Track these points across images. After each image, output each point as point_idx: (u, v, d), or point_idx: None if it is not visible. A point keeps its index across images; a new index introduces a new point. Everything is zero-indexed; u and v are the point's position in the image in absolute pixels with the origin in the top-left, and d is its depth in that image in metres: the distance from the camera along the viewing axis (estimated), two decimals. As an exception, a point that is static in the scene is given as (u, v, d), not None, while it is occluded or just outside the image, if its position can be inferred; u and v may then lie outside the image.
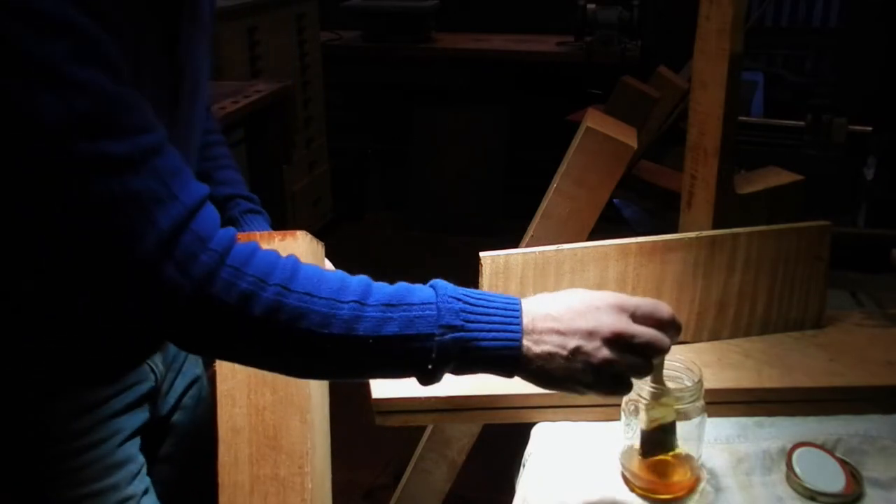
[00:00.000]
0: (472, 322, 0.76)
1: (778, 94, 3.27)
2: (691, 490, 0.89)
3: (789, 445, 0.93)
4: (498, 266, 1.01)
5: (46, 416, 0.92)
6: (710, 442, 0.94)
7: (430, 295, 0.77)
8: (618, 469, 0.92)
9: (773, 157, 1.49)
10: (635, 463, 0.90)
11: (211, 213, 0.76)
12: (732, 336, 1.11)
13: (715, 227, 1.12)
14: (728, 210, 1.13)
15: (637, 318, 0.79)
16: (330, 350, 0.75)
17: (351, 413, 1.33)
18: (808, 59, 3.83)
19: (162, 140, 0.74)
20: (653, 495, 0.88)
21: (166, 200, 0.71)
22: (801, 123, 1.81)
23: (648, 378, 0.82)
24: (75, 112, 0.67)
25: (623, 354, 0.77)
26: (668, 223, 1.41)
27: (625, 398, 0.88)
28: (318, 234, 1.09)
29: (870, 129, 1.81)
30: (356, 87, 4.07)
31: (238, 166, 1.22)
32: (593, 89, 3.22)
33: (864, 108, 2.37)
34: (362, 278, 0.78)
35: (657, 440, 0.85)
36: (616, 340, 0.76)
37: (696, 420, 0.86)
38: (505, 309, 0.77)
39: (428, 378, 0.77)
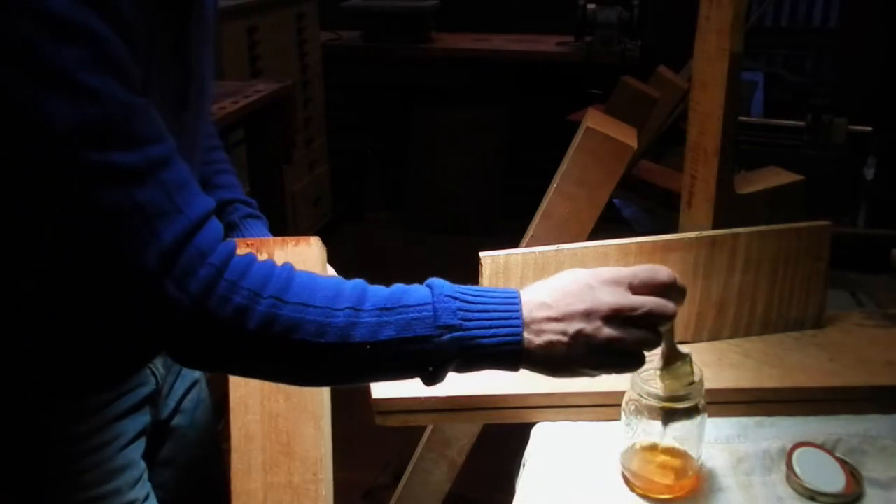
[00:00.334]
0: (471, 320, 0.75)
1: (778, 94, 3.27)
2: (691, 490, 0.89)
3: (789, 445, 0.93)
4: (498, 266, 1.01)
5: (48, 420, 0.91)
6: (710, 442, 0.94)
7: (426, 295, 0.76)
8: (618, 469, 0.92)
9: (773, 157, 1.49)
10: (635, 463, 0.90)
11: (214, 227, 0.75)
12: (732, 336, 1.11)
13: (715, 227, 1.12)
14: (728, 210, 1.13)
15: (636, 287, 0.77)
16: (328, 358, 0.75)
17: (351, 413, 1.33)
18: (808, 59, 3.83)
19: (170, 151, 0.74)
20: (653, 495, 0.88)
21: (171, 214, 0.71)
22: (801, 123, 1.81)
23: (661, 348, 0.81)
24: (86, 120, 0.67)
25: (627, 329, 0.75)
26: (668, 223, 1.41)
27: (625, 398, 0.88)
28: (318, 234, 1.09)
29: (870, 129, 1.81)
30: (356, 87, 4.07)
31: (236, 168, 1.22)
32: (593, 89, 3.21)
33: (864, 108, 2.37)
34: (358, 283, 0.77)
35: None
36: (616, 316, 0.75)
37: (696, 420, 0.86)
38: (504, 304, 0.76)
39: (430, 378, 0.77)
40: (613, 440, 0.93)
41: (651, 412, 0.86)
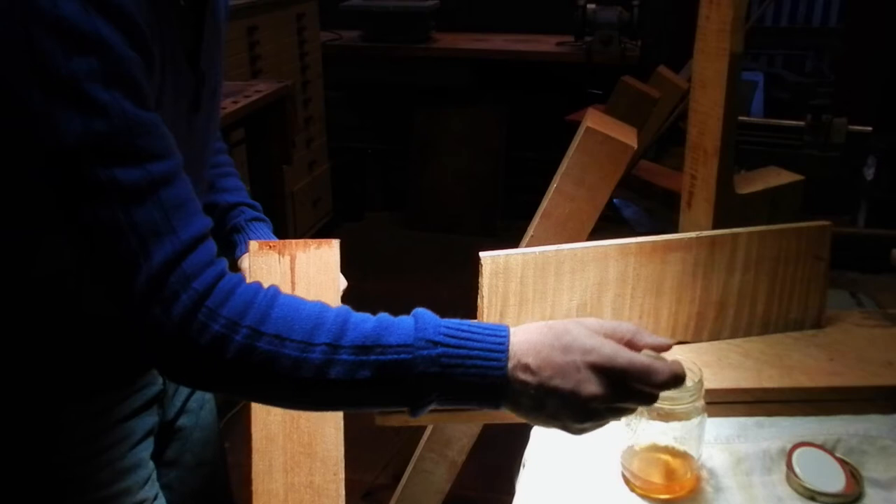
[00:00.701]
0: (452, 366, 0.72)
1: (778, 94, 3.27)
2: (691, 490, 0.89)
3: (789, 445, 0.93)
4: (498, 266, 1.01)
5: (58, 420, 0.92)
6: (710, 442, 0.94)
7: (408, 335, 0.73)
8: (618, 469, 0.92)
9: (773, 157, 1.48)
10: (635, 463, 0.90)
11: (205, 249, 0.75)
12: (732, 336, 1.11)
13: (715, 227, 1.12)
14: (728, 210, 1.13)
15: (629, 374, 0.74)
16: (306, 391, 0.74)
17: (351, 413, 1.33)
18: (808, 59, 3.83)
19: (174, 168, 0.74)
20: (653, 495, 0.88)
21: (164, 234, 0.71)
22: (801, 123, 1.80)
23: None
24: (92, 133, 0.67)
25: (611, 403, 0.74)
26: (668, 223, 1.41)
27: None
28: (318, 234, 1.09)
29: (870, 129, 1.80)
30: (356, 87, 4.07)
31: (238, 170, 1.23)
32: (593, 89, 3.21)
33: (864, 108, 2.37)
34: (340, 312, 0.75)
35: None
36: (600, 398, 0.73)
37: (696, 420, 0.86)
38: (490, 351, 0.73)
39: (411, 412, 0.75)
40: (613, 440, 0.93)
41: (651, 412, 0.86)
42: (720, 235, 1.07)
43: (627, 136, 1.12)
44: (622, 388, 0.73)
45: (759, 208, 1.16)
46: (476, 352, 0.73)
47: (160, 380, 1.03)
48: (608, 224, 1.48)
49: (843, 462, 0.90)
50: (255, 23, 2.99)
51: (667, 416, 0.85)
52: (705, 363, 1.03)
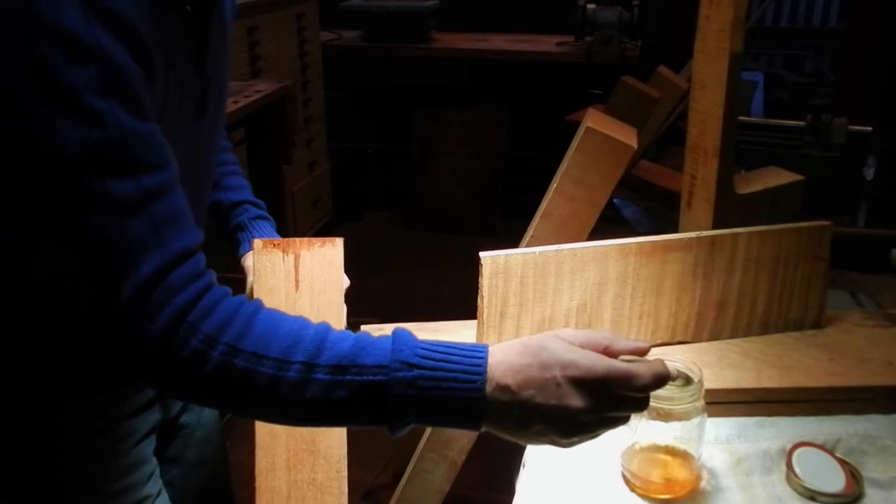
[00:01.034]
0: (428, 389, 0.71)
1: (778, 94, 3.27)
2: (691, 490, 0.89)
3: (789, 445, 0.93)
4: (498, 266, 1.01)
5: (62, 418, 0.92)
6: (710, 442, 0.94)
7: (384, 356, 0.72)
8: (618, 469, 0.92)
9: (773, 157, 1.49)
10: (635, 463, 0.90)
11: (193, 263, 0.74)
12: (732, 336, 1.11)
13: (715, 227, 1.12)
14: (728, 210, 1.13)
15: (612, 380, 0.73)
16: (284, 409, 0.74)
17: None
18: (808, 59, 3.84)
19: (168, 180, 0.74)
20: (653, 495, 0.88)
21: (153, 247, 0.71)
22: (801, 123, 1.80)
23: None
24: (88, 142, 0.67)
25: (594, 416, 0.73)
26: (668, 223, 1.41)
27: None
28: (318, 234, 1.09)
29: (870, 129, 1.81)
30: (356, 87, 4.07)
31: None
32: (593, 89, 3.21)
33: (864, 108, 2.37)
34: (320, 329, 0.75)
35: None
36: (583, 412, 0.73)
37: (696, 420, 0.86)
38: (466, 374, 0.72)
39: (390, 432, 0.75)
40: (613, 440, 0.93)
41: (651, 412, 0.86)
42: (720, 235, 1.07)
43: (627, 136, 1.12)
44: (607, 397, 0.73)
45: (759, 208, 1.16)
46: (452, 374, 0.72)
47: None
48: (608, 224, 1.48)
49: (843, 462, 0.90)
50: (256, 23, 2.99)
51: (667, 416, 0.85)
52: (705, 363, 1.03)
